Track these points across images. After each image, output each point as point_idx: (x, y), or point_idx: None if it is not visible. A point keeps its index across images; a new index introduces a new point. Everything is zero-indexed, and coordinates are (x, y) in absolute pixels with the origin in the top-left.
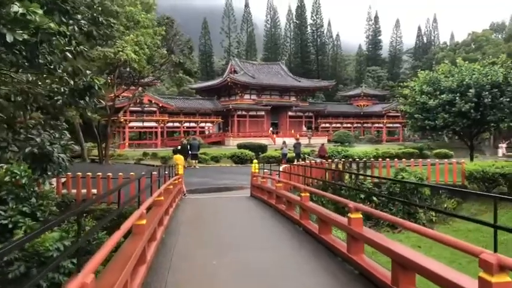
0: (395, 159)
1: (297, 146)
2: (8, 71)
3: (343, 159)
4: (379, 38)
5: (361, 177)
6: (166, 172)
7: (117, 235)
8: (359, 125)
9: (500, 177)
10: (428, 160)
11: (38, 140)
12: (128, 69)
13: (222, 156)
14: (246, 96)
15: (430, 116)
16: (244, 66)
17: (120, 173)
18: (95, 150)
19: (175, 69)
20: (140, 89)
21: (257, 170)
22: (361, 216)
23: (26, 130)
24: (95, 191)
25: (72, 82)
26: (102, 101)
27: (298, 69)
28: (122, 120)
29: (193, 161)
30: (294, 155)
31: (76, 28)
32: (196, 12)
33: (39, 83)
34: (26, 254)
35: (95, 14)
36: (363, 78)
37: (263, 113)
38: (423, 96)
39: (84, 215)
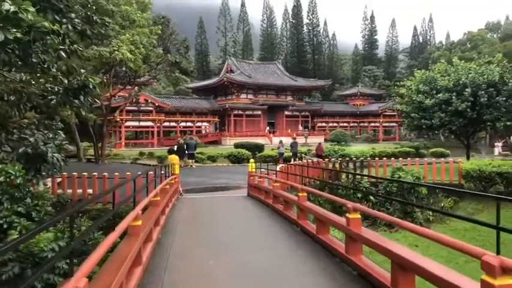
0: (392, 159)
1: (293, 145)
2: (1, 70)
3: (340, 159)
4: (375, 37)
5: (358, 176)
6: (162, 172)
7: (112, 237)
8: (355, 124)
9: (497, 176)
10: (425, 159)
11: (31, 139)
12: (123, 68)
13: (218, 156)
14: (243, 96)
15: (426, 115)
16: (241, 65)
17: (116, 173)
18: (91, 149)
19: (172, 69)
20: (136, 88)
21: (254, 170)
22: (359, 216)
23: (20, 130)
24: (90, 191)
25: (66, 81)
26: (97, 101)
27: (295, 68)
28: (118, 119)
29: (190, 161)
30: (291, 154)
31: (70, 27)
32: (192, 11)
33: (33, 82)
34: (20, 255)
35: (88, 13)
36: (359, 78)
37: (260, 112)
38: (419, 95)
39: (80, 215)
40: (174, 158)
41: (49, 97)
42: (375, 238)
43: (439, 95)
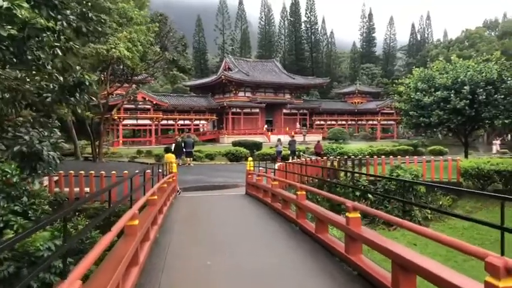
0: (391, 156)
1: (292, 143)
2: None
3: (338, 157)
4: (373, 35)
5: (356, 174)
6: (160, 170)
7: (108, 238)
8: (353, 122)
9: (495, 174)
10: (424, 157)
11: (26, 138)
12: (121, 66)
13: (216, 154)
14: (241, 94)
15: (424, 113)
16: (239, 63)
17: (114, 171)
18: (89, 148)
19: (169, 67)
20: (134, 86)
21: (252, 168)
22: (359, 215)
23: (14, 128)
24: (87, 189)
25: (61, 78)
26: (95, 99)
27: (293, 66)
28: (116, 117)
29: (188, 159)
30: (289, 152)
31: (65, 23)
32: (190, 9)
33: (28, 79)
34: (16, 254)
35: (84, 10)
36: (357, 76)
37: (258, 110)
38: (418, 93)
39: (77, 213)
40: (170, 157)
41: (44, 95)
42: (375, 238)
43: (437, 93)
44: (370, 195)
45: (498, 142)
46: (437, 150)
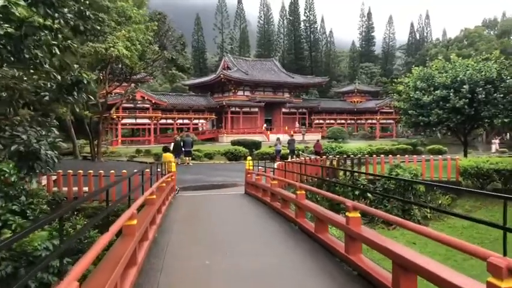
0: (390, 156)
1: (291, 142)
2: None
3: (337, 156)
4: (372, 34)
5: (355, 173)
6: (158, 169)
7: (106, 237)
8: (352, 121)
9: (495, 173)
10: (423, 156)
11: (24, 137)
12: (119, 65)
13: (215, 153)
14: (240, 93)
15: (424, 112)
16: (238, 62)
17: (112, 171)
18: (88, 147)
19: (168, 66)
20: (133, 85)
21: (251, 167)
22: (359, 215)
23: (12, 127)
24: (86, 188)
25: (59, 77)
26: (93, 98)
27: (292, 65)
28: (115, 117)
29: (187, 158)
30: (288, 151)
31: (62, 22)
32: (189, 8)
33: (25, 78)
34: (14, 254)
35: (81, 8)
36: (356, 75)
37: (257, 109)
38: (417, 92)
39: (76, 213)
40: (168, 156)
41: (42, 93)
42: (375, 237)
43: (436, 92)
44: (369, 195)
45: (497, 141)
46: (436, 149)
